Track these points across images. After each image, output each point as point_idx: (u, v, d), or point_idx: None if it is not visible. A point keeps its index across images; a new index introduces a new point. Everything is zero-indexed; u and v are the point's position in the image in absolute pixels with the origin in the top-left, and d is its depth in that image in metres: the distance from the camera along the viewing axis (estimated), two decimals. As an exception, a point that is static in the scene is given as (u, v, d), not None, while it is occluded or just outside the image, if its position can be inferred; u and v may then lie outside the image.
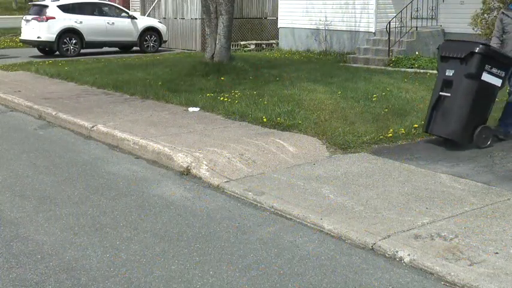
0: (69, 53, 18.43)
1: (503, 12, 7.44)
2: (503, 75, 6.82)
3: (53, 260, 4.24)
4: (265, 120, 7.99)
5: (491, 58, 6.70)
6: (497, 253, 4.11)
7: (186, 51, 20.80)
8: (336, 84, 11.15)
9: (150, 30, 20.12)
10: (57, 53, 18.57)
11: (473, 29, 13.22)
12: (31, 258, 4.28)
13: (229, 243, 4.50)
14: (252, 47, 20.76)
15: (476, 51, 6.61)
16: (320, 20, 17.99)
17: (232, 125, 8.00)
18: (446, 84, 6.87)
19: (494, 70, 6.73)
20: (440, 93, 6.91)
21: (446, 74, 6.87)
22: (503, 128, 7.35)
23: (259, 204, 5.32)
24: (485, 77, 6.70)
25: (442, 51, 7.01)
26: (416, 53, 14.96)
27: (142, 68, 14.18)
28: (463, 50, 6.71)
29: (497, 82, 6.79)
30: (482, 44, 6.77)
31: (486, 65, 6.67)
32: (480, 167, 6.19)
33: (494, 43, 7.37)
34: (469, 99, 6.71)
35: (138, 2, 26.18)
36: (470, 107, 6.71)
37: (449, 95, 6.82)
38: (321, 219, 4.81)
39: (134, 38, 19.79)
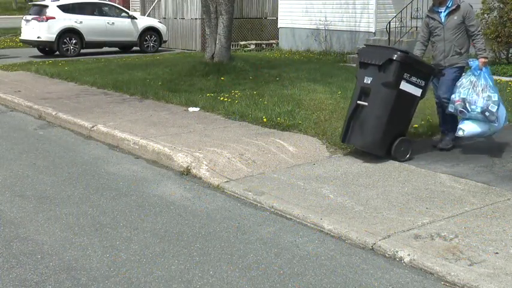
0: (69, 53, 18.41)
1: (428, 16, 6.97)
2: (423, 84, 6.40)
3: (53, 260, 4.25)
4: (265, 120, 8.00)
5: (411, 66, 6.29)
6: (497, 253, 4.11)
7: (186, 51, 20.80)
8: (336, 84, 11.15)
9: (150, 30, 20.11)
10: (57, 53, 18.55)
11: None
12: (31, 258, 4.28)
13: (229, 243, 4.50)
14: (252, 47, 20.75)
15: (395, 58, 6.18)
16: (320, 20, 17.98)
17: (232, 125, 8.00)
18: (365, 92, 6.44)
19: (413, 79, 6.31)
20: (358, 101, 6.46)
21: (365, 81, 6.43)
22: (448, 136, 6.93)
23: (259, 204, 5.32)
24: (404, 86, 6.27)
25: (360, 57, 6.57)
26: (417, 53, 14.95)
27: (142, 68, 14.18)
28: (381, 57, 6.28)
29: (417, 92, 6.38)
30: (401, 50, 6.33)
31: (405, 73, 6.26)
32: (480, 167, 6.18)
33: (418, 49, 6.96)
34: (387, 109, 6.27)
35: (138, 2, 26.18)
36: (388, 117, 6.27)
37: (366, 104, 6.39)
38: (321, 219, 4.81)
39: (134, 38, 19.78)
